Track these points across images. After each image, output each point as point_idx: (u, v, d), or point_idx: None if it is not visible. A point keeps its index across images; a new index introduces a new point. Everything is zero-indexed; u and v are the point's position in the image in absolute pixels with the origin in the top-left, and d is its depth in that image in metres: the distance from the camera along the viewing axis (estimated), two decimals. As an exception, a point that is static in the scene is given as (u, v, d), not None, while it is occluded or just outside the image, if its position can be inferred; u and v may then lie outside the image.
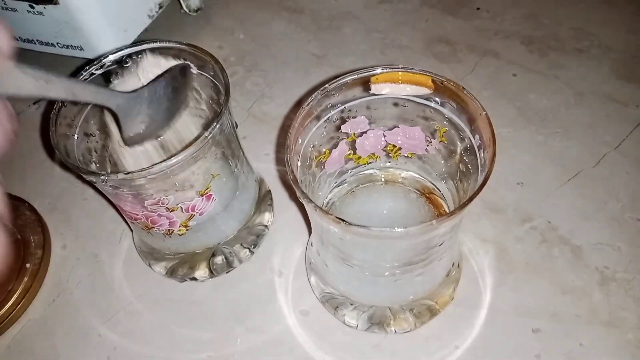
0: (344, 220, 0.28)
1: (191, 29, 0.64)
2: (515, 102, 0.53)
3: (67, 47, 0.54)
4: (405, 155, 0.39)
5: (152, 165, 0.31)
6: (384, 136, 0.37)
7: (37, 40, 0.55)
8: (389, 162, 0.40)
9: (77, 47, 0.53)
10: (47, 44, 0.55)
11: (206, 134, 0.33)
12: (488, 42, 0.58)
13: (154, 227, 0.38)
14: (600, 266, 0.42)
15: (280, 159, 0.51)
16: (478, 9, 0.62)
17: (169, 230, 0.38)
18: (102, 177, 0.32)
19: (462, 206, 0.27)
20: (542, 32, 0.59)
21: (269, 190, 0.47)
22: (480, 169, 0.31)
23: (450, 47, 0.58)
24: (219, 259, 0.43)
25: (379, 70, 0.33)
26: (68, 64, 0.53)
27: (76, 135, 0.37)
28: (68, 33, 0.52)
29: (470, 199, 0.27)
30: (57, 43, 0.54)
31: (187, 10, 0.61)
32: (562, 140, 0.50)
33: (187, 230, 0.39)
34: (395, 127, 0.37)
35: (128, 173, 0.31)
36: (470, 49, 0.58)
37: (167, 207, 0.36)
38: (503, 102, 0.53)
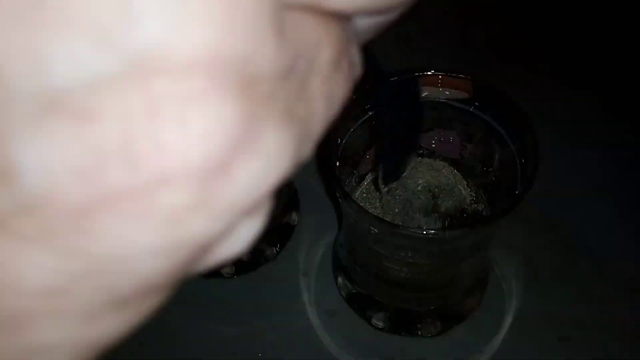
0: (385, 220, 0.28)
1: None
2: (542, 110, 0.53)
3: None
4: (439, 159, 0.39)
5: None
6: (419, 139, 0.37)
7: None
8: (421, 166, 0.40)
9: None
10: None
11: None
12: (516, 50, 0.58)
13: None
14: (626, 277, 0.42)
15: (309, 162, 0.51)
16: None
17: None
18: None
19: (506, 211, 0.27)
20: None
21: (296, 190, 0.48)
22: (520, 174, 0.31)
23: (476, 54, 0.58)
24: (244, 256, 0.43)
25: (419, 73, 0.33)
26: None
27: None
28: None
29: (515, 203, 0.28)
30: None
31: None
32: (590, 151, 0.49)
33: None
34: (430, 129, 0.37)
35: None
36: (498, 57, 0.58)
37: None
38: (529, 110, 0.52)
